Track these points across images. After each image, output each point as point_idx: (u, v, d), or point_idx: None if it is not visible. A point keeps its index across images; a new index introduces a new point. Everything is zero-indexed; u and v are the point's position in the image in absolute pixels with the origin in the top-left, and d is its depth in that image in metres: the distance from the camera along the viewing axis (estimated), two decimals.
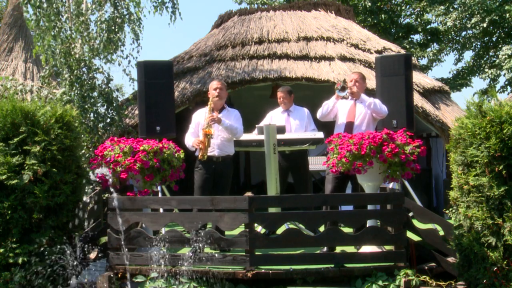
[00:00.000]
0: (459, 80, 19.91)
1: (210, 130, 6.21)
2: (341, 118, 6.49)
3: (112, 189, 5.37)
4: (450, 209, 5.06)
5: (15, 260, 4.99)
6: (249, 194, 5.29)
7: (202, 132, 6.28)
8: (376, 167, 5.37)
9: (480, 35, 19.25)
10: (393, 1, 19.30)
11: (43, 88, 8.49)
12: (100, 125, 8.28)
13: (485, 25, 18.10)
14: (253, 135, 6.87)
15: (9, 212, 5.04)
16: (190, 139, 6.47)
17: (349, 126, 6.37)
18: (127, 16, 8.59)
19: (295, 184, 7.14)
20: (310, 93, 10.31)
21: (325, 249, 5.80)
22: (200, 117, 6.52)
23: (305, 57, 10.24)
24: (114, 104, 8.50)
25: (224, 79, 9.51)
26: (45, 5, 8.05)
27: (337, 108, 6.51)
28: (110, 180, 5.37)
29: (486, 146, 4.65)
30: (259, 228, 5.97)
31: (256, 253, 5.18)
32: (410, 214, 5.72)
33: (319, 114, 6.52)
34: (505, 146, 4.60)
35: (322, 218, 5.45)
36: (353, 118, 6.43)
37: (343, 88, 6.38)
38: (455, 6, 18.74)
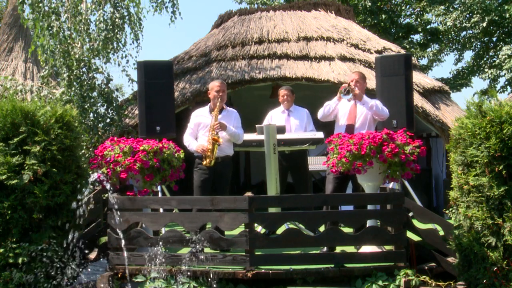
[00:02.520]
0: (459, 80, 19.90)
1: (219, 138, 6.16)
2: (342, 119, 6.48)
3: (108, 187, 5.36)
4: (450, 209, 5.06)
5: (15, 260, 4.99)
6: (249, 194, 5.29)
7: (208, 138, 6.20)
8: (376, 167, 5.37)
9: (480, 35, 19.25)
10: (393, 1, 19.30)
11: (43, 88, 8.49)
12: (100, 125, 8.28)
13: (485, 25, 18.10)
14: (253, 135, 6.87)
15: (9, 212, 5.04)
16: (192, 141, 6.42)
17: (350, 129, 6.34)
18: (127, 17, 8.59)
19: (295, 184, 7.13)
20: (310, 93, 10.31)
21: (325, 249, 5.80)
22: (200, 117, 6.47)
23: (305, 57, 10.24)
24: (114, 104, 8.51)
25: (224, 79, 9.52)
26: (45, 8, 8.05)
27: (338, 108, 6.50)
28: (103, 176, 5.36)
29: (486, 146, 4.65)
30: (259, 228, 5.97)
31: (256, 253, 5.18)
32: (410, 214, 5.72)
33: (320, 114, 6.50)
34: (505, 146, 4.60)
35: (322, 218, 5.45)
36: (354, 120, 6.41)
37: (347, 92, 6.34)
38: (455, 6, 18.74)
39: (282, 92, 7.34)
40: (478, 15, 17.99)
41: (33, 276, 5.02)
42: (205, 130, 6.34)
